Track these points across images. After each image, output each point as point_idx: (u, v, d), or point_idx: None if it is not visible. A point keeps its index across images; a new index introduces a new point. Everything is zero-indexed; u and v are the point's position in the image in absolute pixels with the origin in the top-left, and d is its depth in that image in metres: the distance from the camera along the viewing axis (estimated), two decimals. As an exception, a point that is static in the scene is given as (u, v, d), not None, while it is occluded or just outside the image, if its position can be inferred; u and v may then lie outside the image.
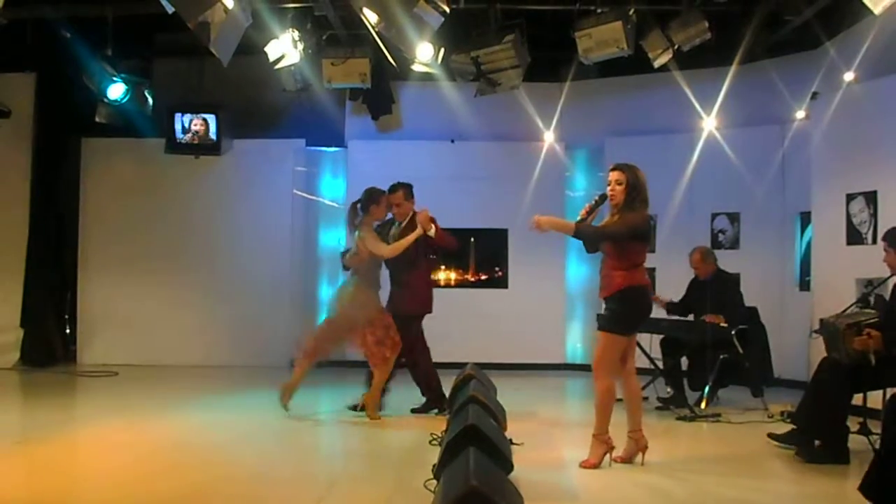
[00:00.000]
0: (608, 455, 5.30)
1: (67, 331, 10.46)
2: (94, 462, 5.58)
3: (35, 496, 4.60)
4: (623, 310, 5.25)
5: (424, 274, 7.13)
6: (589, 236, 5.35)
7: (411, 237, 6.70)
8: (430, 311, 7.12)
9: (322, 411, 7.17)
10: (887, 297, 5.74)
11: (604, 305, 5.45)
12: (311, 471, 5.42)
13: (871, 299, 6.18)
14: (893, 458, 3.95)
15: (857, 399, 5.70)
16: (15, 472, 5.19)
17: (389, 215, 7.06)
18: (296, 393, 6.75)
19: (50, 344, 10.00)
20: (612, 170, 5.35)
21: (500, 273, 10.50)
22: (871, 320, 5.30)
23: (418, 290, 7.05)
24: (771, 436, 5.95)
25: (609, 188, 5.32)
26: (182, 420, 6.87)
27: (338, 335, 6.83)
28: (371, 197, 6.86)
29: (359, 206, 6.86)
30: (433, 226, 6.76)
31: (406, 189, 7.08)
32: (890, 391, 5.22)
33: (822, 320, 5.72)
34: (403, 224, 6.98)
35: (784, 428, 6.01)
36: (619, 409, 5.41)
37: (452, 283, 10.56)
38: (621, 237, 5.22)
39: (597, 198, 5.40)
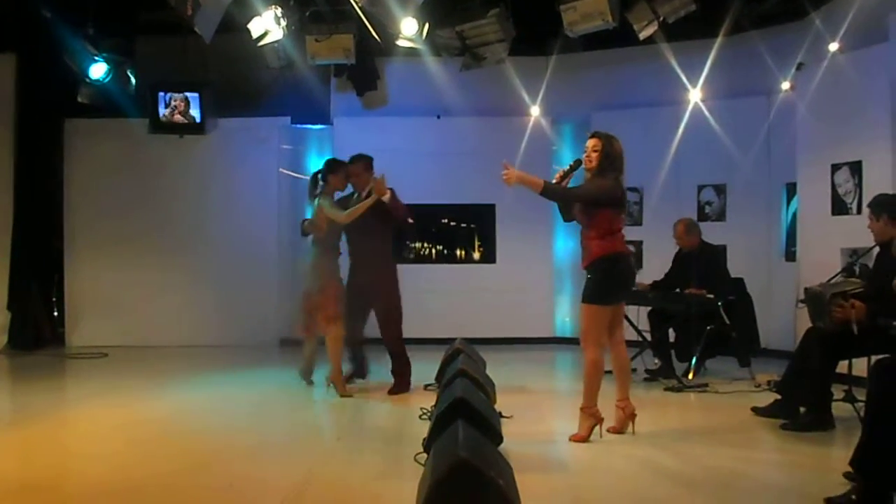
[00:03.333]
0: (599, 427, 5.34)
1: (55, 313, 10.43)
2: (86, 443, 5.59)
3: (28, 478, 4.61)
4: (602, 279, 5.28)
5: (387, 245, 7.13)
6: (556, 195, 5.38)
7: (367, 202, 6.75)
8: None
9: (312, 388, 7.18)
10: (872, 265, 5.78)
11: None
12: (302, 446, 5.44)
13: (857, 269, 6.23)
14: (878, 426, 3.99)
15: (843, 367, 5.75)
16: (7, 455, 5.20)
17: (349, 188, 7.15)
18: (314, 369, 7.11)
19: (38, 327, 9.97)
20: (591, 136, 5.43)
21: (481, 248, 10.50)
22: (857, 290, 5.28)
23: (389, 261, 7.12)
24: (755, 409, 6.00)
25: (585, 154, 5.39)
26: (172, 400, 6.89)
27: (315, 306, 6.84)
28: (331, 168, 7.01)
29: (319, 176, 7.01)
30: (388, 191, 6.78)
31: (365, 161, 7.11)
32: (875, 359, 5.27)
33: (806, 289, 5.74)
34: (363, 195, 6.97)
35: (767, 400, 6.07)
36: (610, 381, 5.45)
37: (438, 258, 10.56)
38: (587, 199, 5.28)
39: (571, 163, 5.46)
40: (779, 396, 5.91)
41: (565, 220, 5.71)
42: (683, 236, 7.66)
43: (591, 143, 5.39)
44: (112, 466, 4.86)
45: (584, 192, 5.33)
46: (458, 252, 10.59)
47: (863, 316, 5.12)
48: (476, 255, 10.58)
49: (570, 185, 5.49)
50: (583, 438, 5.29)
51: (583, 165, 5.40)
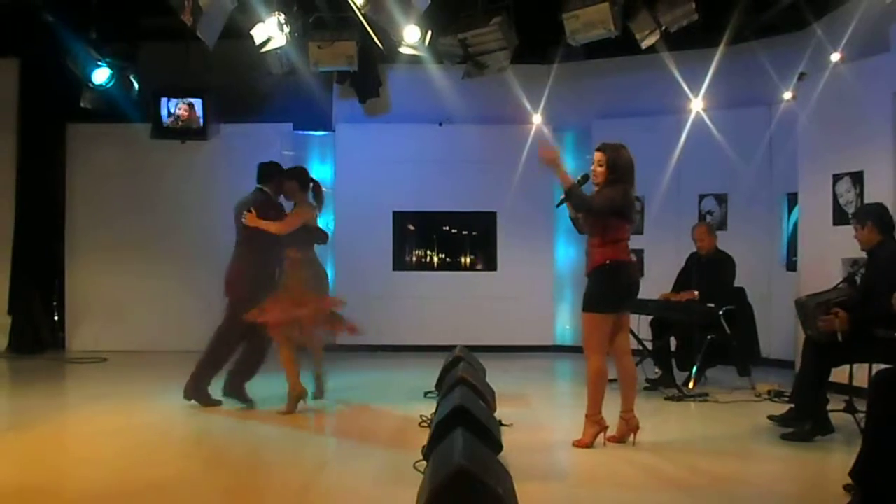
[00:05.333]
0: (601, 435, 5.34)
1: (55, 317, 10.42)
2: (85, 448, 5.59)
3: (27, 482, 4.60)
4: (603, 287, 5.28)
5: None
6: (577, 198, 5.31)
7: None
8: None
9: (309, 396, 7.16)
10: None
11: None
12: (301, 454, 5.44)
13: (857, 279, 6.23)
14: (879, 437, 3.99)
15: (844, 377, 5.76)
16: (7, 459, 5.19)
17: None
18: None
19: (38, 331, 9.97)
20: (596, 150, 5.45)
21: (482, 256, 10.52)
22: (840, 299, 5.40)
23: None
24: (771, 418, 5.99)
25: (592, 168, 5.40)
26: (171, 405, 6.86)
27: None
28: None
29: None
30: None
31: None
32: (875, 368, 5.28)
33: (796, 301, 5.82)
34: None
35: (774, 409, 6.07)
36: (613, 390, 5.45)
37: (439, 265, 10.57)
38: (600, 211, 5.27)
39: (580, 178, 5.46)
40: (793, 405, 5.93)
41: (580, 233, 5.69)
42: (706, 236, 7.68)
43: (596, 156, 5.41)
44: (111, 471, 4.85)
45: (595, 204, 5.29)
46: (459, 259, 10.59)
47: (846, 325, 5.18)
48: (477, 263, 10.59)
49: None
50: (586, 444, 5.29)
51: (591, 180, 5.41)
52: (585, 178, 5.44)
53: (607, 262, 5.26)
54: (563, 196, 5.41)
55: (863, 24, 7.38)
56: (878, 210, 5.72)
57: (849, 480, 4.09)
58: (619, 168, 5.31)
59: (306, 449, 5.71)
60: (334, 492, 4.52)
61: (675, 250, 8.38)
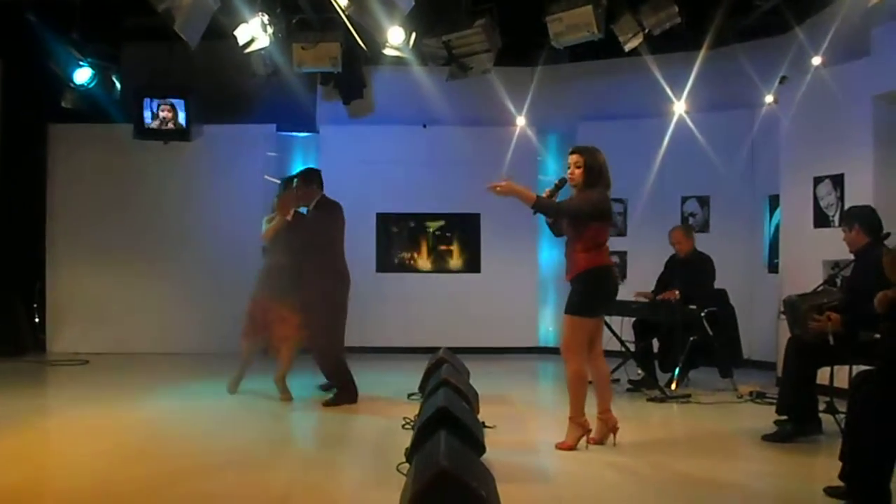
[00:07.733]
0: (586, 437, 5.36)
1: (36, 319, 10.33)
2: (67, 451, 5.54)
3: (6, 486, 4.56)
4: (587, 292, 5.30)
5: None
6: (547, 210, 5.36)
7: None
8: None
9: (295, 396, 7.14)
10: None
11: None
12: (284, 456, 5.42)
13: (838, 281, 6.28)
14: (860, 439, 4.02)
15: (824, 379, 5.79)
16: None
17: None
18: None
19: (19, 333, 9.87)
20: (571, 153, 5.47)
21: (465, 258, 10.52)
22: (833, 303, 5.42)
23: None
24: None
25: (568, 171, 5.42)
26: (154, 407, 6.85)
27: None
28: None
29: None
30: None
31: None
32: (855, 369, 5.31)
33: (784, 299, 5.84)
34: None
35: (753, 410, 6.09)
36: (590, 391, 5.47)
37: (422, 267, 10.57)
38: (578, 213, 5.30)
39: (556, 182, 5.49)
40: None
41: (556, 236, 5.72)
42: (683, 239, 7.74)
43: (572, 159, 5.43)
44: (93, 473, 4.82)
45: (573, 207, 5.34)
46: (442, 261, 10.59)
47: (839, 328, 5.23)
48: (460, 265, 10.59)
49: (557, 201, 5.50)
50: (570, 447, 5.31)
51: (567, 183, 5.43)
52: (563, 181, 5.47)
53: (592, 266, 5.28)
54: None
55: (844, 29, 7.45)
56: (866, 213, 5.73)
57: (829, 483, 4.12)
58: (595, 170, 5.34)
59: (290, 451, 5.69)
60: (317, 494, 4.50)
61: (657, 252, 8.40)
